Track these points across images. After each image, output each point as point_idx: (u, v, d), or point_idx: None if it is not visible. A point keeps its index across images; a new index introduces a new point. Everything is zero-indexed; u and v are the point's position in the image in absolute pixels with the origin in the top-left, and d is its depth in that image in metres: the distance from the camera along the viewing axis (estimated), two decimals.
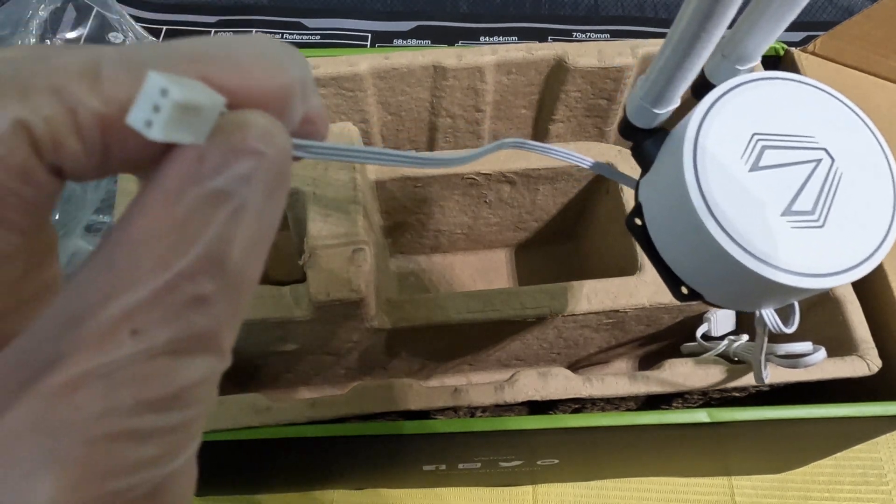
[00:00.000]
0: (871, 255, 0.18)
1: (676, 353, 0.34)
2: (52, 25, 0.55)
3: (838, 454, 0.42)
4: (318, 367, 0.39)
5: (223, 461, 0.34)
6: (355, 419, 0.31)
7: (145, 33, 0.57)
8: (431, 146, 0.43)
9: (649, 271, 0.34)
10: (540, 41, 0.57)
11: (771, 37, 0.20)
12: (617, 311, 0.34)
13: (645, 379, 0.32)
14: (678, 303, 0.34)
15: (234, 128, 0.10)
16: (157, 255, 0.10)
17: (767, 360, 0.29)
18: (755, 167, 0.18)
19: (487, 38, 0.63)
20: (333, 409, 0.31)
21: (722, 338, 0.34)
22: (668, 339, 0.40)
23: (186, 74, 0.10)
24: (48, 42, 0.54)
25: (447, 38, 0.63)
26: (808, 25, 0.65)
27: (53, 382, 0.09)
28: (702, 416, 0.30)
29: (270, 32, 0.62)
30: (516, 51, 0.37)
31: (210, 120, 0.10)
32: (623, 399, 0.33)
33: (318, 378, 0.41)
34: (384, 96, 0.39)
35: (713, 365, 0.32)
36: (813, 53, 0.42)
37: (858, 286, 0.33)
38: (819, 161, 0.19)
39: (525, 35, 0.63)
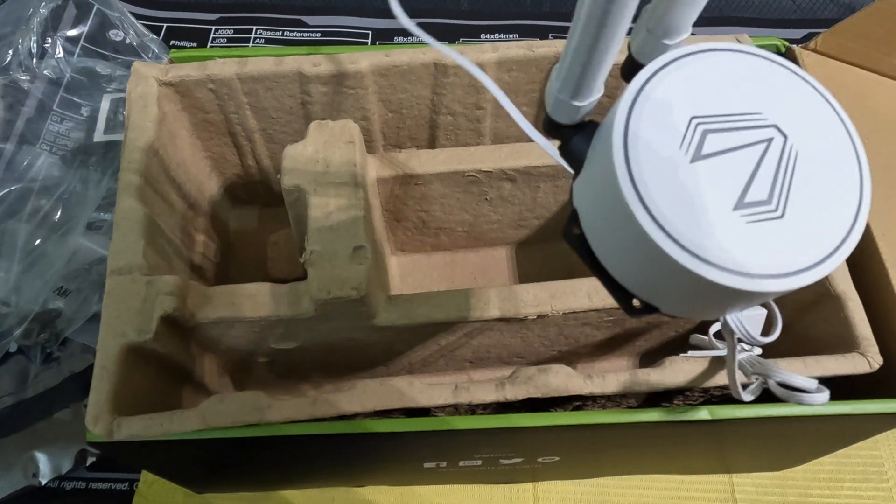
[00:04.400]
0: (841, 243, 0.16)
1: (677, 351, 0.34)
2: (53, 23, 0.55)
3: (839, 451, 0.42)
4: (319, 364, 0.39)
5: (225, 459, 0.34)
6: (356, 417, 0.31)
7: (146, 31, 0.57)
8: (432, 144, 0.43)
9: None
10: (541, 38, 0.57)
11: (699, 2, 0.17)
12: (618, 308, 0.34)
13: (646, 376, 0.32)
14: None
15: None
16: None
17: (765, 384, 0.27)
18: (697, 156, 0.16)
19: (488, 36, 0.63)
20: (334, 407, 0.31)
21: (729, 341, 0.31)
22: (669, 337, 0.40)
23: None
24: (48, 39, 0.54)
25: (448, 35, 0.63)
26: (810, 23, 0.65)
27: None
28: (703, 413, 0.30)
29: (271, 30, 0.62)
30: (517, 48, 0.37)
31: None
32: (624, 396, 0.33)
33: (319, 376, 0.41)
34: (385, 94, 0.39)
35: (714, 362, 0.32)
36: (814, 51, 0.42)
37: (859, 283, 0.33)
38: (770, 140, 0.16)
39: (526, 32, 0.63)
